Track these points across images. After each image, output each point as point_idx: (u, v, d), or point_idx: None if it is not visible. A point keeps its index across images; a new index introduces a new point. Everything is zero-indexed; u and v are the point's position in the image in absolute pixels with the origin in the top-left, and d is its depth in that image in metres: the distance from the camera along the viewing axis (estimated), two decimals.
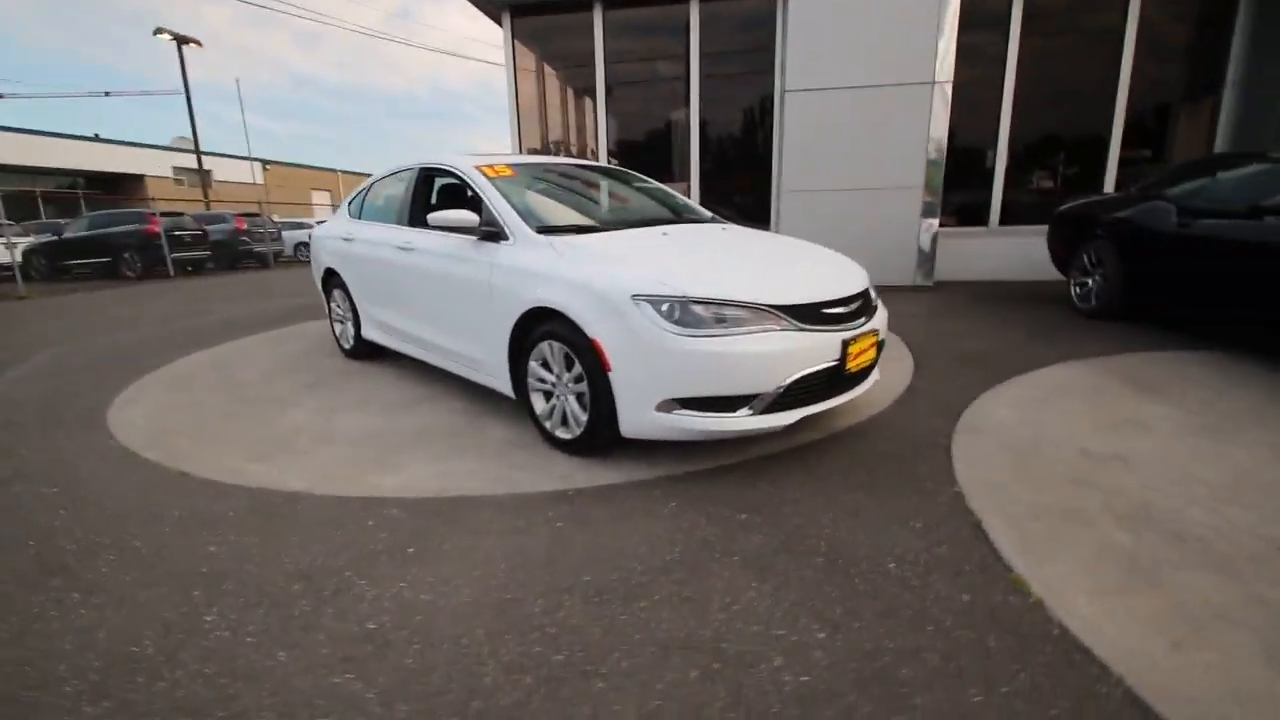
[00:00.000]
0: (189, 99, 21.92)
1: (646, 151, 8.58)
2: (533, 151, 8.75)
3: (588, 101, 8.54)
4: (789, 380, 2.41)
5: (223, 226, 15.12)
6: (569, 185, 3.77)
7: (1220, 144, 7.16)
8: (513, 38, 8.27)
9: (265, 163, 33.90)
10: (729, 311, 2.38)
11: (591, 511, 2.31)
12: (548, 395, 2.88)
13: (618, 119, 8.48)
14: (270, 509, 2.40)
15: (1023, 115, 7.49)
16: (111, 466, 2.89)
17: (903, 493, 2.38)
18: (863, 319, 2.74)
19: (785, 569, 1.91)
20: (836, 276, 2.81)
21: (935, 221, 7.07)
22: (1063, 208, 6.17)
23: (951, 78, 6.72)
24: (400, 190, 3.95)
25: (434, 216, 3.11)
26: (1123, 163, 7.40)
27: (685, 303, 2.37)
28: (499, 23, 8.33)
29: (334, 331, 4.82)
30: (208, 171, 25.37)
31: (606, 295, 2.47)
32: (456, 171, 3.45)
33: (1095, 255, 5.42)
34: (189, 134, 22.68)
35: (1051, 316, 5.44)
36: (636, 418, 2.48)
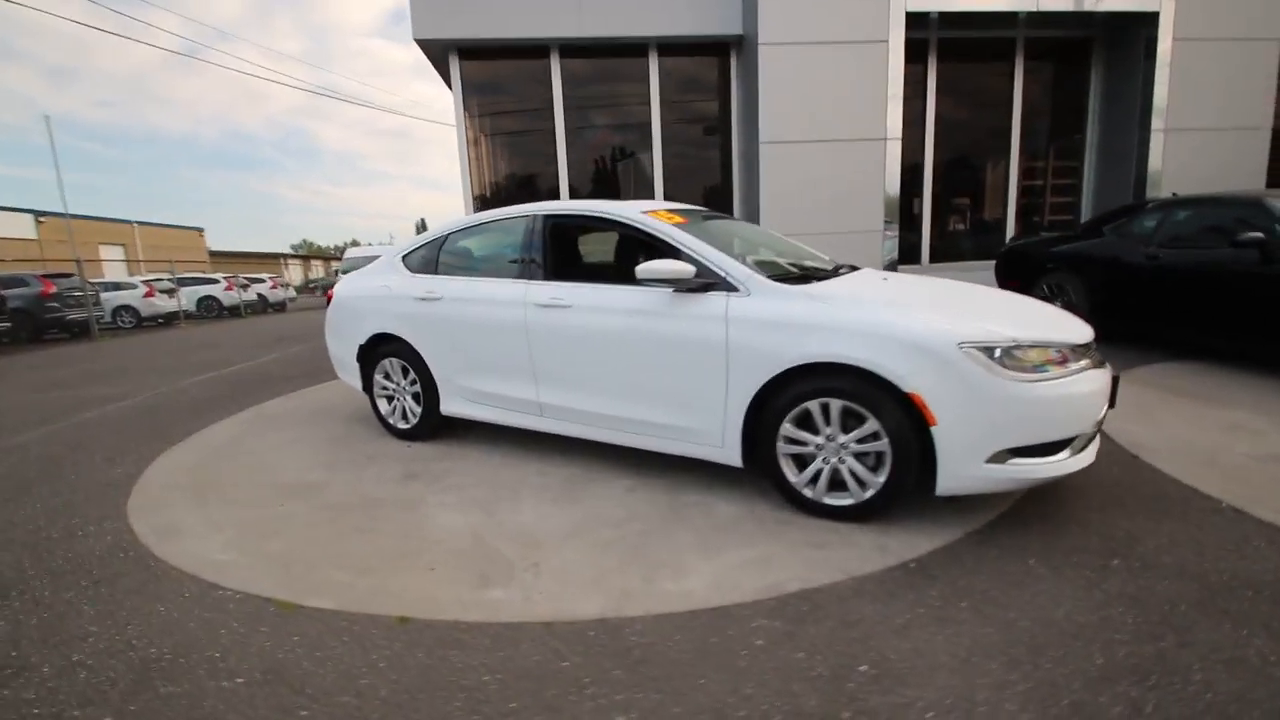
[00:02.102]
0: None
1: (608, 195, 8.42)
2: (480, 197, 8.19)
3: (542, 144, 8.21)
4: (1100, 417, 2.41)
5: (25, 291, 12.06)
6: (718, 229, 3.52)
7: (1086, 195, 8.75)
8: (462, 79, 7.76)
9: (38, 214, 27.89)
10: (1051, 354, 2.33)
11: (971, 582, 2.09)
12: (800, 459, 2.60)
13: (577, 165, 8.25)
14: (616, 650, 1.83)
15: (940, 170, 8.57)
16: (317, 636, 2.05)
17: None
18: None
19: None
20: (1061, 316, 2.89)
21: (895, 259, 7.75)
22: (1008, 246, 7.10)
23: (900, 135, 7.51)
24: (513, 240, 3.41)
25: (644, 268, 2.70)
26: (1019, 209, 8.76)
27: (1013, 348, 2.28)
28: (445, 64, 7.78)
29: (378, 409, 3.98)
30: None
31: (926, 344, 2.30)
32: (625, 220, 3.06)
33: (1055, 285, 6.27)
34: None
35: None
36: (963, 472, 2.31)
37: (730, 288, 2.69)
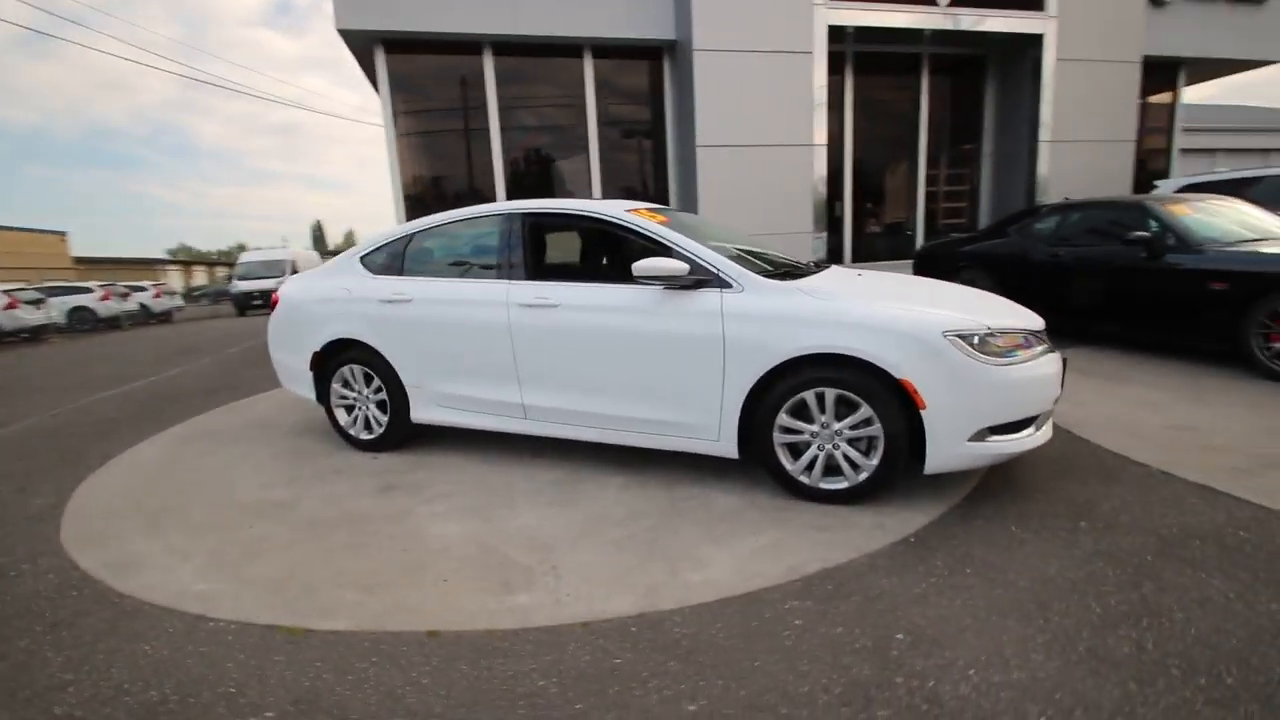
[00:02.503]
0: None
1: (544, 195, 8.32)
2: (411, 197, 7.87)
3: (476, 143, 7.99)
4: (1056, 396, 2.68)
5: None
6: (695, 228, 3.58)
7: (984, 200, 9.60)
8: (388, 73, 7.42)
9: None
10: (1018, 339, 2.57)
11: (968, 551, 2.27)
12: (794, 448, 2.72)
13: (512, 164, 8.10)
14: (663, 643, 1.84)
15: (858, 175, 9.12)
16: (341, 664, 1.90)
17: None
18: None
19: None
20: (1015, 306, 3.17)
21: (824, 259, 8.16)
22: (923, 247, 7.68)
23: (825, 142, 7.93)
24: (489, 239, 3.32)
25: (641, 266, 2.73)
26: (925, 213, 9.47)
27: (988, 335, 2.50)
28: (370, 57, 7.42)
29: (336, 420, 3.74)
30: None
31: (915, 334, 2.47)
32: (611, 219, 3.06)
33: (968, 281, 6.83)
34: None
35: None
36: (948, 451, 2.50)
37: (724, 284, 2.77)
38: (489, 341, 3.18)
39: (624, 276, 2.86)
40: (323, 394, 3.77)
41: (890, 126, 9.33)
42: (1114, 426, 3.50)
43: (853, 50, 8.62)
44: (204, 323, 17.52)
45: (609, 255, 3.81)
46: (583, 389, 3.04)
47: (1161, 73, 9.63)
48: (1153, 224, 5.03)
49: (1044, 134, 8.54)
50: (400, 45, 7.38)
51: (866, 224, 9.56)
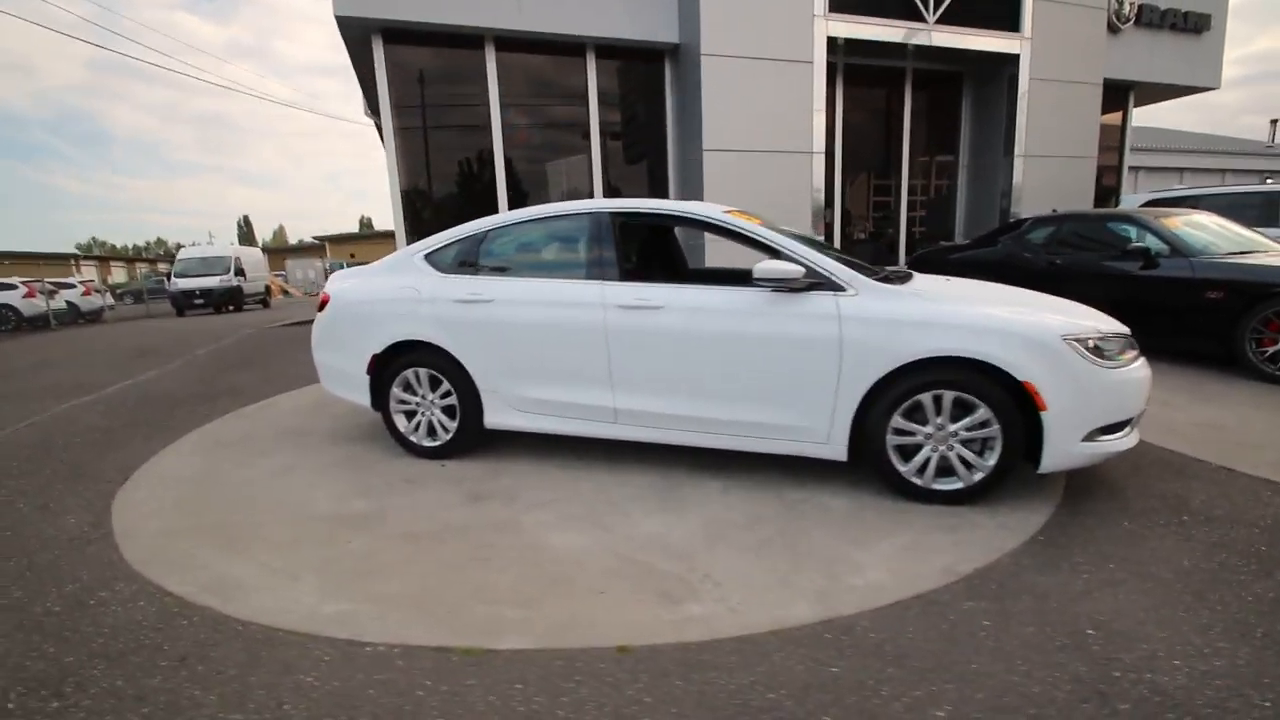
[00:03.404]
0: None
1: (547, 194, 8.18)
2: (410, 191, 7.57)
3: (477, 140, 7.76)
4: (1147, 398, 2.84)
5: None
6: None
7: (960, 209, 10.06)
8: (386, 66, 7.11)
9: None
10: (1122, 344, 2.70)
11: (1099, 548, 2.36)
12: (903, 450, 2.76)
13: (515, 162, 7.91)
14: (868, 648, 1.83)
15: (847, 183, 9.39)
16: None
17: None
18: None
19: None
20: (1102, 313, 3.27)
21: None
22: (917, 254, 7.97)
23: (824, 149, 8.12)
24: (575, 238, 3.22)
25: (762, 268, 2.71)
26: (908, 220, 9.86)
27: (1100, 340, 2.62)
28: (367, 48, 7.09)
29: (395, 427, 3.54)
30: None
31: (1037, 338, 2.55)
32: (711, 220, 3.03)
33: None
34: None
35: None
36: (1064, 450, 2.59)
37: (837, 287, 2.78)
38: (581, 344, 3.08)
39: (707, 277, 2.83)
40: (379, 400, 3.55)
41: (876, 138, 9.66)
42: (1152, 425, 3.71)
43: (843, 62, 8.87)
44: (141, 323, 16.21)
45: (670, 256, 3.78)
46: (683, 393, 2.99)
47: (1114, 95, 10.36)
48: (1149, 236, 5.40)
49: (1018, 149, 9.03)
50: (400, 36, 7.08)
51: (854, 231, 9.85)
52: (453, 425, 3.43)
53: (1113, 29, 9.66)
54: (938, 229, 10.17)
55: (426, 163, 7.73)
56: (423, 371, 3.42)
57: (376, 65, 7.05)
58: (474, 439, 3.45)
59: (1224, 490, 2.81)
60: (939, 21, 8.32)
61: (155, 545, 2.61)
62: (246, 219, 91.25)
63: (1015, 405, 2.58)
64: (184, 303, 17.92)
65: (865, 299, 2.75)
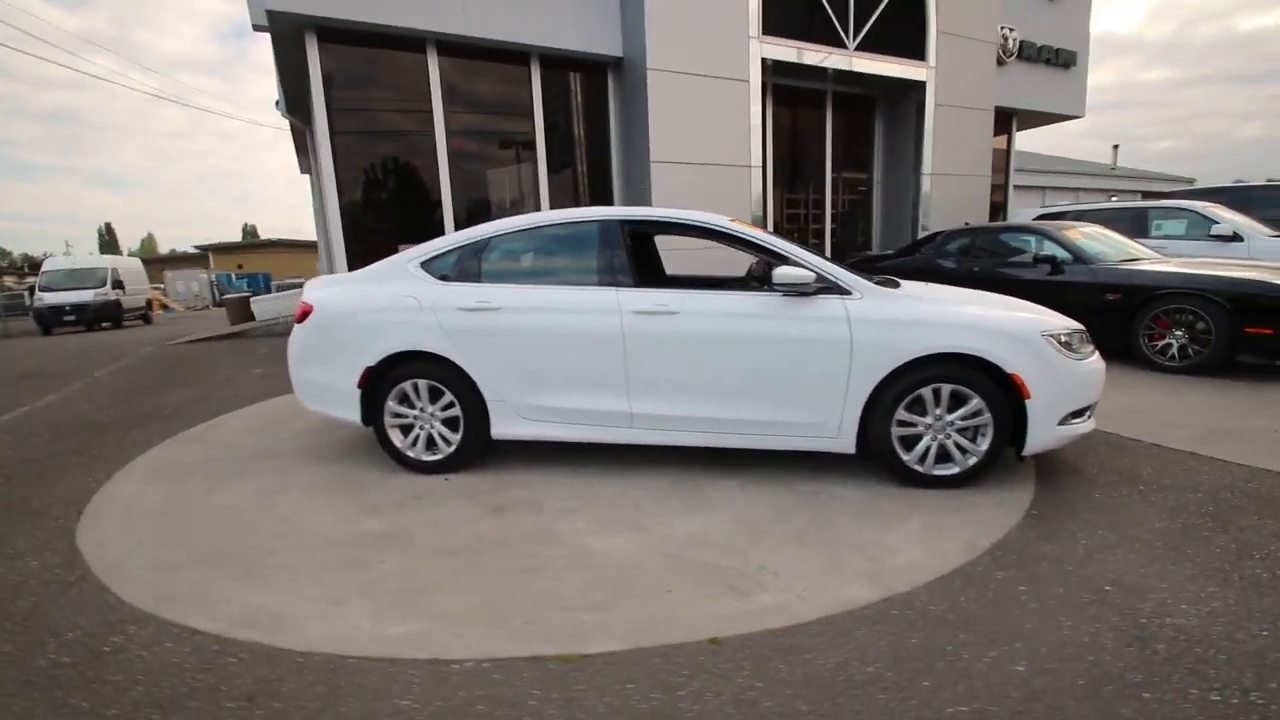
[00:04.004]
0: None
1: (491, 202, 8.03)
2: (350, 203, 7.20)
3: (419, 147, 7.50)
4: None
5: None
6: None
7: (875, 223, 10.86)
8: (320, 67, 6.75)
9: None
10: (1083, 338, 3.09)
11: (1087, 516, 2.68)
12: (905, 440, 3.00)
13: (458, 171, 7.71)
14: (941, 619, 1.99)
15: (778, 198, 9.90)
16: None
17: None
18: None
19: None
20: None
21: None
22: (849, 262, 8.54)
23: (761, 164, 8.53)
24: (586, 245, 3.24)
25: (780, 274, 2.86)
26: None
27: (1069, 335, 2.98)
28: (298, 45, 6.70)
29: (390, 442, 3.38)
30: None
31: (1021, 335, 2.87)
32: (720, 228, 3.16)
33: None
34: None
35: None
36: (1043, 434, 2.92)
37: (844, 291, 2.99)
38: (598, 350, 3.10)
39: (689, 283, 2.95)
40: (371, 415, 3.39)
41: (800, 154, 10.25)
42: None
43: (772, 83, 9.35)
44: (2, 344, 14.19)
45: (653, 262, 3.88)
46: (699, 395, 3.09)
47: (1000, 121, 11.59)
48: (1055, 246, 6.11)
49: (925, 167, 9.90)
50: (335, 35, 6.74)
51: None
52: (455, 438, 3.33)
53: (1000, 61, 10.82)
54: (854, 240, 10.92)
55: (363, 169, 7.38)
56: (422, 383, 3.30)
57: (310, 64, 6.67)
58: (477, 451, 3.36)
59: (1162, 463, 3.27)
60: (858, 49, 8.98)
61: (156, 582, 2.37)
62: (109, 226, 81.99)
63: (1004, 395, 2.88)
64: (52, 319, 15.90)
65: (870, 302, 2.97)
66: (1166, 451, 3.43)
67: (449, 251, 3.37)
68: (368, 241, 7.28)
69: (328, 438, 4.11)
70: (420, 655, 1.88)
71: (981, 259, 6.86)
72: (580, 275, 3.26)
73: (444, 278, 3.34)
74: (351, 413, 3.41)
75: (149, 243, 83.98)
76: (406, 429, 3.40)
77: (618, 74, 8.26)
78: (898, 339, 2.90)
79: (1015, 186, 20.55)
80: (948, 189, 10.12)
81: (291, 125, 10.39)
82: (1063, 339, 2.93)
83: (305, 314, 3.45)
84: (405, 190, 7.63)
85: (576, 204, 8.52)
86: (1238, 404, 4.27)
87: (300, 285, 16.44)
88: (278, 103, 10.18)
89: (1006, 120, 11.96)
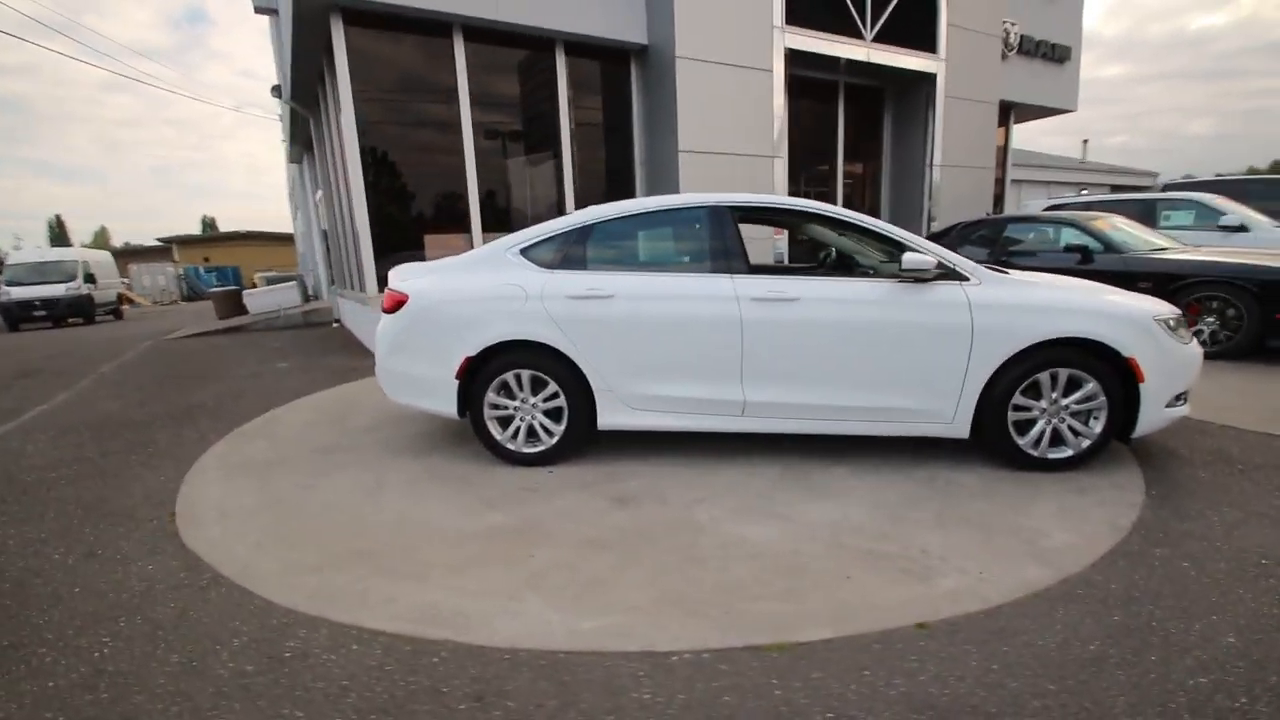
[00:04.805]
0: None
1: (513, 192, 7.88)
2: (374, 184, 6.98)
3: (444, 135, 7.31)
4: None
5: None
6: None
7: (884, 213, 10.99)
8: (347, 50, 6.51)
9: None
10: (1183, 323, 3.17)
11: (1206, 494, 2.76)
12: (1018, 425, 3.05)
13: (484, 159, 7.53)
14: (1124, 598, 2.02)
15: (794, 185, 9.94)
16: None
17: None
18: None
19: None
20: None
21: (785, 259, 8.78)
22: None
23: (784, 154, 8.55)
24: (698, 233, 3.19)
25: (909, 260, 2.87)
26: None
27: (1176, 320, 3.05)
28: (321, 27, 6.45)
29: (489, 435, 3.30)
30: None
31: (1136, 319, 2.93)
32: (833, 215, 3.15)
33: None
34: None
35: None
36: (1154, 416, 3.00)
37: (961, 277, 3.01)
38: (715, 337, 3.07)
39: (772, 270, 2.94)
40: (469, 406, 3.30)
41: (815, 145, 10.29)
42: None
43: (790, 74, 9.36)
44: None
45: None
46: (815, 382, 3.08)
47: (999, 114, 11.83)
48: (1085, 236, 6.27)
49: (935, 158, 10.04)
50: (361, 17, 6.50)
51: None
52: (558, 429, 3.27)
53: (1001, 55, 11.02)
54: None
55: (388, 156, 7.16)
56: (525, 373, 3.22)
57: (335, 47, 6.43)
58: (581, 442, 3.30)
59: (1245, 443, 3.38)
60: (875, 40, 9.05)
61: (300, 584, 2.26)
62: (59, 219, 77.99)
63: (1119, 379, 2.94)
64: (20, 315, 15.09)
65: (989, 288, 3.00)
66: (1244, 433, 3.55)
67: (551, 238, 3.29)
68: (392, 230, 7.09)
69: (400, 431, 3.99)
70: (630, 648, 1.83)
71: (1013, 248, 6.98)
72: (692, 262, 3.22)
73: (547, 265, 3.25)
74: (447, 405, 3.31)
75: (102, 235, 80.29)
76: (505, 421, 3.31)
77: (641, 62, 8.16)
78: (1018, 325, 2.93)
79: (997, 179, 20.97)
80: (955, 180, 10.29)
81: (293, 113, 9.99)
82: (1171, 323, 3.00)
83: (399, 304, 3.33)
84: (430, 178, 7.43)
85: (604, 192, 8.42)
86: None
87: (292, 279, 15.98)
88: (276, 89, 9.81)
89: (1005, 113, 12.20)
